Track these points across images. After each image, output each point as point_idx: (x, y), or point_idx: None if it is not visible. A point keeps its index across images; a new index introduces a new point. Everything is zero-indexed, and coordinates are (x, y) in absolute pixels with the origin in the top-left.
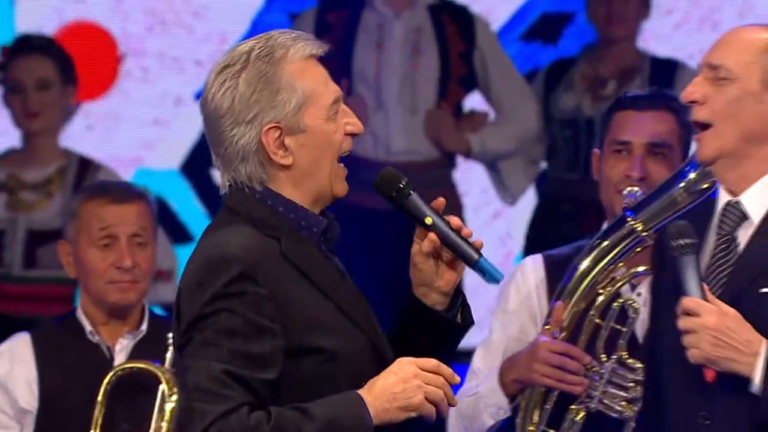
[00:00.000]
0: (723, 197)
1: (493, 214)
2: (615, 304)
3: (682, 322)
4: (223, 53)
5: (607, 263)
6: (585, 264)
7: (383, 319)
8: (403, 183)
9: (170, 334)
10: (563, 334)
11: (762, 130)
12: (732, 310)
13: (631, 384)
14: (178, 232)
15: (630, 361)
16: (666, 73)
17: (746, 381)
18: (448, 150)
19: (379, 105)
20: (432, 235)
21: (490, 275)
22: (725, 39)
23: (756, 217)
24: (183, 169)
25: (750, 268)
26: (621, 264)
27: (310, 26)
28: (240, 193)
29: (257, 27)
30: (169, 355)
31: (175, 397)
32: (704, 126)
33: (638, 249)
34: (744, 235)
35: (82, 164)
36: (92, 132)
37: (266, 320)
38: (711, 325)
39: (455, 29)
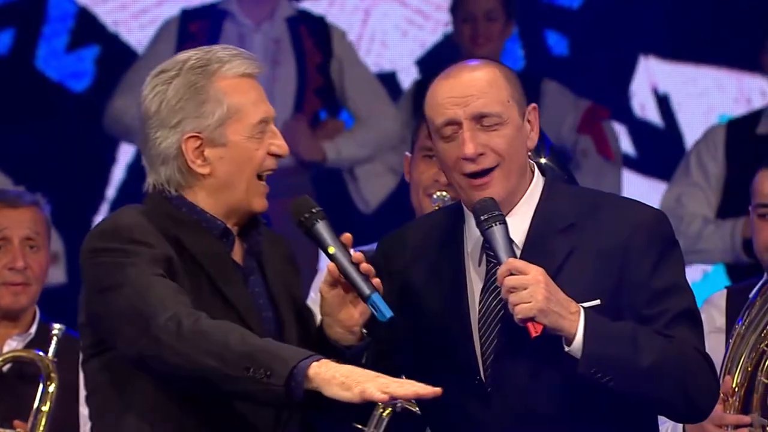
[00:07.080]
0: None
1: None
2: None
3: (510, 280)
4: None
5: None
6: None
7: None
8: (313, 210)
9: (56, 326)
10: None
11: (526, 159)
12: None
13: None
14: None
15: None
16: (533, 90)
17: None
18: (305, 159)
19: None
20: (332, 265)
21: (380, 312)
22: (470, 86)
23: (520, 242)
24: None
25: None
26: None
27: (173, 35)
28: (157, 195)
29: None
30: (52, 346)
31: (53, 385)
32: (489, 170)
33: None
34: None
35: None
36: None
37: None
38: (543, 279)
39: (312, 41)
